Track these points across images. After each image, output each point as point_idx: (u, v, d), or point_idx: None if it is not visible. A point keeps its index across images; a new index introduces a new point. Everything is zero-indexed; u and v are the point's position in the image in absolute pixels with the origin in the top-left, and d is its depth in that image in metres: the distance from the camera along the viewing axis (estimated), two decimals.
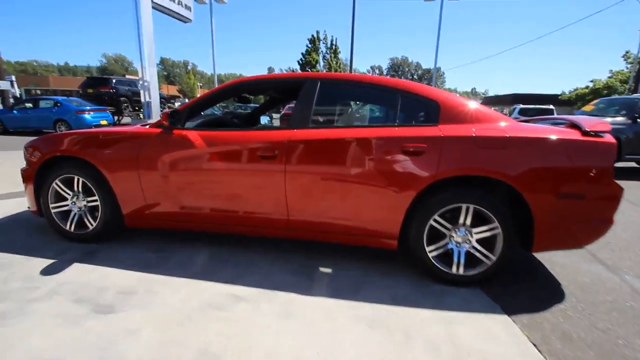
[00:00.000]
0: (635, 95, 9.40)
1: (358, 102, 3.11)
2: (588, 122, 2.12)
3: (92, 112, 11.63)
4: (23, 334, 1.63)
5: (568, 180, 2.01)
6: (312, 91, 2.36)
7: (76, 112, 11.37)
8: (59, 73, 75.79)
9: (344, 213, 2.27)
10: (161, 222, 2.58)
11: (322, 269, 2.39)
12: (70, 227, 2.68)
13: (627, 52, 26.98)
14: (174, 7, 12.90)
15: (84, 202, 2.65)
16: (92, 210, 2.66)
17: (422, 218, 2.15)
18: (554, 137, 2.03)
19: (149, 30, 11.43)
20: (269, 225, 2.42)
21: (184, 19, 14.02)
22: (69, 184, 2.65)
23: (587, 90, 28.97)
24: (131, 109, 14.75)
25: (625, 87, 25.39)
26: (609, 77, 27.89)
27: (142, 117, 14.00)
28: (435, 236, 2.21)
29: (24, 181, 2.73)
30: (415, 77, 76.94)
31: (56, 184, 2.63)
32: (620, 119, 6.79)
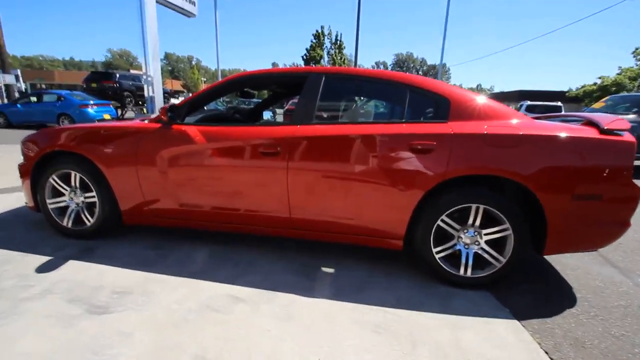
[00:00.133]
0: None
1: (363, 98, 3.02)
2: (606, 119, 2.02)
3: (95, 107, 11.60)
4: (13, 335, 1.57)
5: (584, 181, 1.92)
6: (316, 86, 2.27)
7: (79, 106, 11.34)
8: (64, 68, 76.05)
9: (348, 212, 2.19)
10: (160, 219, 2.51)
11: (324, 269, 2.32)
12: (67, 223, 2.63)
13: (637, 49, 26.48)
14: (178, 1, 12.82)
15: (82, 198, 2.59)
16: (90, 206, 2.60)
17: (430, 218, 2.07)
18: (570, 135, 1.93)
19: (152, 25, 11.37)
20: (271, 223, 2.35)
21: (188, 14, 13.94)
22: (66, 179, 2.59)
23: (594, 87, 28.54)
24: (135, 104, 14.73)
25: (635, 84, 24.98)
26: (618, 74, 27.43)
27: (145, 111, 13.98)
28: (443, 237, 2.13)
29: (21, 176, 2.67)
30: (420, 73, 76.34)
31: (53, 179, 2.58)
32: (631, 116, 6.64)
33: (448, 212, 2.04)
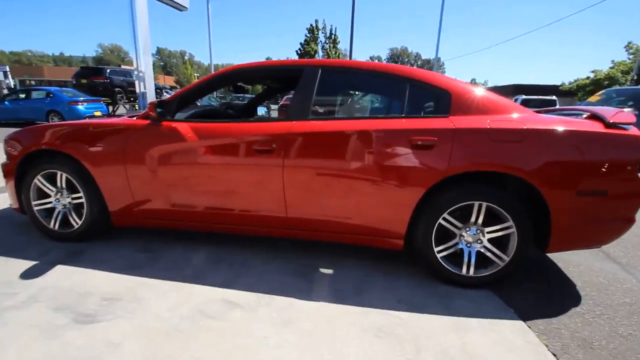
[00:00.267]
0: None
1: (362, 92, 2.92)
2: (611, 113, 1.96)
3: (85, 103, 11.35)
4: None
5: (589, 176, 1.86)
6: (313, 79, 2.18)
7: (69, 103, 11.09)
8: (54, 63, 74.70)
9: (346, 211, 2.11)
10: (151, 220, 2.42)
11: (322, 270, 2.24)
12: (54, 225, 2.52)
13: (629, 43, 26.62)
14: None
15: (69, 199, 2.48)
16: (78, 207, 2.49)
17: (431, 216, 2.00)
18: (575, 129, 1.87)
19: (143, 18, 11.11)
20: (266, 223, 2.27)
21: (180, 7, 13.65)
22: (52, 179, 2.48)
23: (588, 81, 28.68)
24: (126, 100, 14.48)
25: (627, 77, 25.13)
26: (611, 68, 27.57)
27: (137, 108, 13.75)
28: (444, 235, 2.06)
29: (4, 176, 2.55)
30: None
31: (38, 179, 2.46)
32: (627, 110, 6.63)
33: (450, 210, 1.98)
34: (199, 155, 2.20)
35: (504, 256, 2.00)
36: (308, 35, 31.69)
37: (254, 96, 3.84)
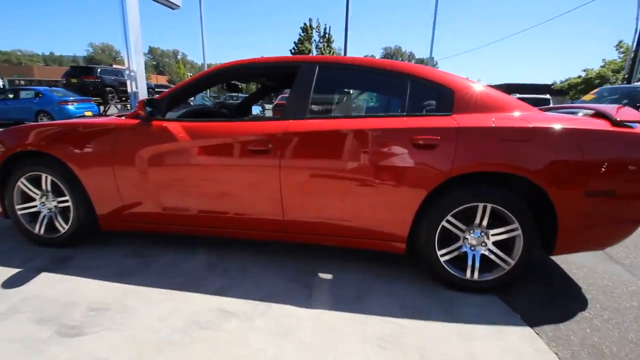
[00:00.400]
0: (637, 84, 9.28)
1: (361, 89, 2.84)
2: (616, 111, 1.90)
3: (75, 103, 11.11)
4: None
5: (597, 176, 1.80)
6: (310, 77, 2.09)
7: (59, 102, 10.85)
8: (44, 63, 73.54)
9: (345, 213, 2.03)
10: (141, 224, 2.31)
11: (321, 275, 2.16)
12: (39, 230, 2.40)
13: (620, 42, 26.93)
14: None
15: (54, 203, 2.36)
16: (64, 211, 2.38)
17: (434, 218, 1.92)
18: (582, 127, 1.81)
19: (134, 17, 10.92)
20: (262, 227, 2.18)
21: (172, 6, 13.45)
22: (36, 182, 2.36)
23: (579, 80, 28.96)
24: (117, 100, 14.24)
25: (618, 76, 25.43)
26: (602, 67, 27.87)
27: (129, 107, 13.53)
28: (447, 238, 1.99)
29: None
30: None
31: (22, 182, 2.35)
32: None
33: (453, 212, 1.91)
34: (191, 156, 2.11)
35: (509, 259, 1.94)
36: (302, 34, 31.53)
37: (247, 95, 3.75)
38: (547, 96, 14.36)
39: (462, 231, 1.96)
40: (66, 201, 2.32)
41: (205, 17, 19.31)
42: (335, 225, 2.07)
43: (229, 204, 2.16)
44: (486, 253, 1.97)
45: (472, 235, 1.96)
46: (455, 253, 1.99)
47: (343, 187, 1.98)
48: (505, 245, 1.96)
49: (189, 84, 2.34)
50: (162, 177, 2.16)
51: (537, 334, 1.68)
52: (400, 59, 79.54)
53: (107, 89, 13.86)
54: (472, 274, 1.97)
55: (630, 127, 1.83)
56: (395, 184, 1.91)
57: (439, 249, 1.97)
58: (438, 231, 1.94)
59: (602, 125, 1.83)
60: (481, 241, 1.97)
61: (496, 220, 1.93)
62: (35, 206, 2.40)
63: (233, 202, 2.15)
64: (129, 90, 11.31)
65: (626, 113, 1.91)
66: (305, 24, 31.28)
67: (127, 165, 2.15)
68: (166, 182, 2.17)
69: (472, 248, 1.98)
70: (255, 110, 3.46)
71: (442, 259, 1.98)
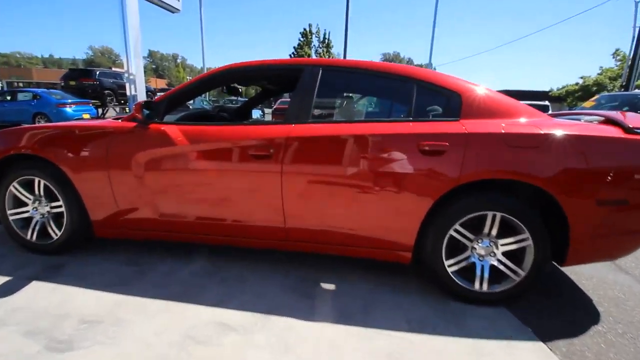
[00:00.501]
0: (637, 91, 9.31)
1: (365, 93, 2.78)
2: (628, 118, 1.85)
3: (73, 106, 11.03)
4: None
5: (610, 184, 1.73)
6: (313, 80, 2.03)
7: (57, 105, 10.77)
8: (43, 65, 73.50)
9: (349, 221, 1.96)
10: (137, 232, 2.23)
11: (324, 285, 2.08)
12: (31, 236, 2.31)
13: (617, 50, 27.15)
14: None
15: (47, 208, 2.28)
16: (57, 217, 2.30)
17: (441, 227, 1.86)
18: (595, 134, 1.75)
19: (134, 20, 10.90)
20: (263, 235, 2.10)
21: (172, 9, 13.45)
22: (29, 186, 2.28)
23: (576, 87, 29.18)
24: (116, 103, 14.16)
25: (615, 83, 25.62)
26: (599, 74, 28.10)
27: (127, 110, 13.46)
28: (454, 248, 1.92)
29: None
30: None
31: (14, 186, 2.27)
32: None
33: (462, 220, 1.84)
34: (189, 160, 2.03)
35: (519, 270, 1.87)
36: (301, 39, 31.66)
37: (247, 99, 3.69)
38: (546, 103, 14.38)
39: (470, 241, 1.90)
40: (59, 206, 2.24)
41: (205, 16, 19.33)
42: (339, 233, 2.00)
43: (228, 210, 2.09)
44: (495, 263, 1.90)
45: (480, 245, 1.90)
46: (463, 263, 1.92)
47: (347, 194, 1.91)
48: (514, 256, 1.89)
49: (189, 86, 2.27)
50: (159, 182, 2.09)
51: (550, 349, 1.60)
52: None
53: (106, 91, 13.77)
54: (480, 285, 1.90)
55: None
56: (401, 191, 1.84)
57: (447, 259, 1.90)
58: (445, 240, 1.87)
59: (614, 132, 1.78)
60: (490, 251, 1.90)
61: (505, 230, 1.87)
62: (28, 211, 2.32)
63: (233, 208, 2.08)
64: (127, 93, 11.26)
65: (633, 119, 1.85)
66: (305, 29, 31.44)
67: (123, 169, 2.08)
68: (163, 187, 2.09)
69: (481, 258, 1.91)
70: (256, 114, 3.39)
71: (449, 270, 1.91)
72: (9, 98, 11.54)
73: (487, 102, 1.89)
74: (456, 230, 1.87)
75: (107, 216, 2.21)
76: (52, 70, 54.77)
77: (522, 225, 1.79)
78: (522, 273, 1.86)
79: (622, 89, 19.61)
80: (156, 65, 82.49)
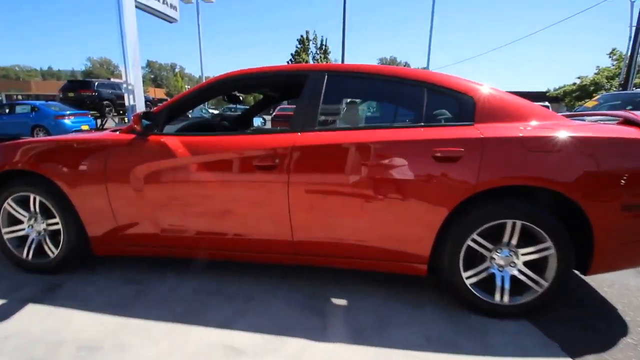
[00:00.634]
0: (638, 90, 9.27)
1: (373, 99, 2.70)
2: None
3: (72, 117, 10.99)
4: None
5: (633, 188, 1.65)
6: (319, 86, 1.95)
7: (55, 117, 10.71)
8: (42, 78, 73.79)
9: (361, 233, 1.87)
10: (137, 248, 2.13)
11: (335, 300, 1.98)
12: (27, 255, 2.21)
13: (613, 50, 27.23)
14: (159, 6, 12.31)
15: (43, 226, 2.19)
16: (54, 234, 2.20)
17: (458, 237, 1.76)
18: (617, 136, 1.66)
19: (132, 30, 10.89)
20: (269, 249, 2.01)
21: (169, 19, 13.47)
22: (24, 203, 2.19)
23: (574, 87, 29.23)
24: (115, 113, 14.11)
25: (612, 83, 25.69)
26: (596, 74, 28.17)
27: (126, 121, 13.41)
28: (472, 258, 1.82)
29: None
30: None
31: (8, 204, 2.17)
32: None
33: (480, 229, 1.74)
34: (191, 173, 1.95)
35: (542, 281, 1.77)
36: (299, 46, 31.77)
37: (247, 107, 3.61)
38: (547, 103, 14.36)
39: (489, 250, 1.80)
40: (56, 224, 2.14)
41: (203, 34, 19.39)
42: (350, 245, 1.90)
43: (232, 224, 1.99)
44: (516, 274, 1.80)
45: (499, 254, 1.80)
46: (482, 275, 1.82)
47: (357, 204, 1.82)
48: (535, 266, 1.80)
49: (189, 95, 2.19)
50: (160, 196, 2.00)
51: None
52: None
53: (105, 102, 13.74)
54: (501, 297, 1.80)
55: None
56: (415, 200, 1.75)
57: (464, 271, 1.80)
58: (463, 251, 1.78)
59: (636, 133, 1.69)
60: (510, 261, 1.80)
61: (524, 238, 1.77)
62: (23, 229, 2.23)
63: (237, 222, 1.98)
64: (126, 103, 11.22)
65: None
66: (302, 36, 31.56)
67: (121, 184, 1.99)
68: (164, 202, 2.00)
69: (500, 269, 1.81)
70: (257, 122, 3.31)
71: (467, 282, 1.81)
72: (7, 111, 11.49)
73: (501, 104, 1.80)
74: (474, 240, 1.77)
75: (105, 233, 2.11)
76: (50, 82, 54.93)
77: (544, 233, 1.70)
78: (545, 283, 1.76)
79: (620, 88, 19.66)
80: (154, 75, 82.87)
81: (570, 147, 1.63)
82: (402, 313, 1.86)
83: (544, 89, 34.44)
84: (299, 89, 2.04)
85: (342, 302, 1.96)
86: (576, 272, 1.93)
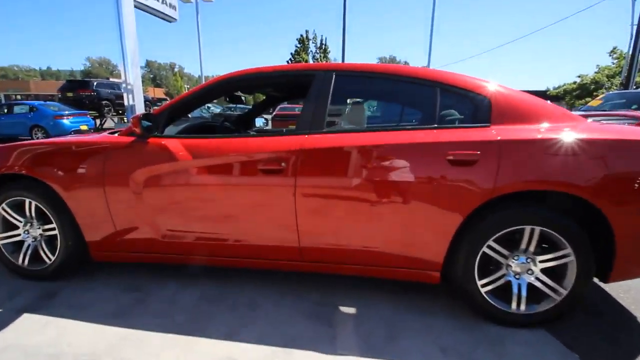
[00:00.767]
0: None
1: (383, 99, 2.62)
2: None
3: (71, 117, 10.91)
4: None
5: None
6: (327, 86, 1.87)
7: (54, 117, 10.63)
8: (41, 78, 73.63)
9: (371, 240, 1.79)
10: (136, 254, 2.05)
11: (343, 309, 1.90)
12: (23, 261, 2.13)
13: (614, 48, 27.17)
14: (158, 6, 12.22)
15: (40, 231, 2.11)
16: (51, 240, 2.12)
17: (474, 244, 1.68)
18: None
19: (131, 30, 10.80)
20: (275, 255, 1.93)
21: (168, 19, 13.37)
22: (19, 208, 2.11)
23: (574, 86, 29.18)
24: (114, 113, 14.02)
25: (613, 81, 25.63)
26: (596, 73, 28.12)
27: (126, 120, 13.32)
28: (487, 265, 1.75)
29: None
30: None
31: (3, 209, 2.09)
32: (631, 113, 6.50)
33: (496, 236, 1.67)
34: (193, 177, 1.87)
35: (560, 289, 1.69)
36: (298, 45, 31.64)
37: (248, 107, 3.53)
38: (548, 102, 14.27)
39: (505, 257, 1.72)
40: (53, 229, 2.06)
41: (201, 14, 19.20)
42: (360, 252, 1.82)
43: (237, 230, 1.91)
44: (533, 281, 1.72)
45: (516, 261, 1.72)
46: (499, 282, 1.74)
47: (367, 209, 1.74)
48: (552, 273, 1.72)
49: (190, 96, 2.11)
50: (160, 201, 1.92)
51: None
52: None
53: (104, 102, 13.66)
54: (518, 306, 1.72)
55: None
56: (429, 205, 1.67)
57: (480, 279, 1.73)
58: (478, 258, 1.70)
59: None
60: (526, 268, 1.72)
61: (544, 244, 1.70)
62: (19, 235, 2.15)
63: (242, 228, 1.90)
64: (125, 103, 11.13)
65: None
66: (302, 35, 31.44)
67: (120, 188, 1.91)
68: (165, 207, 1.92)
69: (517, 276, 1.74)
70: (259, 122, 3.23)
71: (483, 290, 1.73)
72: (5, 111, 11.41)
73: (519, 104, 1.73)
74: (489, 247, 1.69)
75: (103, 238, 2.03)
76: (49, 82, 54.76)
77: (563, 240, 1.62)
78: (564, 292, 1.69)
79: (622, 87, 19.59)
80: (154, 74, 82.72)
81: (592, 151, 1.56)
82: (413, 322, 1.78)
83: (543, 88, 34.40)
84: (304, 89, 1.97)
85: (350, 310, 1.89)
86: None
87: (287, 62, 32.09)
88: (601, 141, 1.57)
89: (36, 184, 2.01)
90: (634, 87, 15.87)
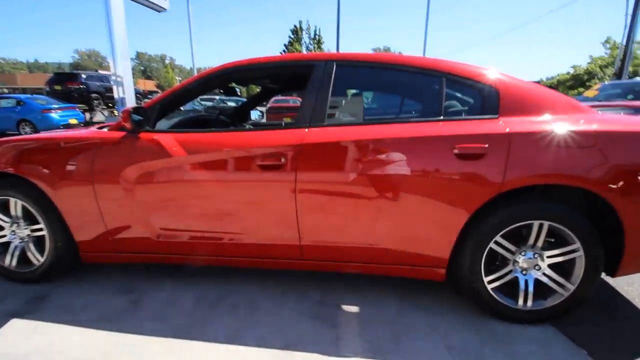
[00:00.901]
0: (638, 78, 9.24)
1: (386, 90, 2.53)
2: None
3: (59, 111, 10.63)
4: None
5: None
6: (327, 76, 1.78)
7: (42, 111, 10.34)
8: (28, 70, 71.91)
9: (375, 236, 1.73)
10: (129, 255, 1.97)
11: (346, 308, 1.85)
12: (10, 263, 2.04)
13: (608, 39, 27.29)
14: None
15: (27, 231, 2.01)
16: (39, 241, 2.02)
17: (481, 239, 1.63)
18: None
19: (120, 20, 10.51)
20: (275, 254, 1.86)
21: (158, 8, 13.03)
22: (5, 208, 2.01)
23: (568, 77, 29.34)
24: (104, 106, 13.72)
25: (606, 71, 25.78)
26: (589, 63, 28.26)
27: (116, 114, 13.06)
28: (493, 261, 1.70)
29: None
30: None
31: None
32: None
33: (504, 231, 1.62)
34: (187, 173, 1.78)
35: (568, 284, 1.65)
36: (292, 36, 31.22)
37: (242, 99, 3.43)
38: None
39: (512, 253, 1.68)
40: (40, 229, 1.97)
41: (193, 24, 18.87)
42: (363, 249, 1.76)
43: (234, 228, 1.84)
44: (540, 277, 1.68)
45: (523, 257, 1.68)
46: (506, 278, 1.70)
47: (371, 205, 1.68)
48: (560, 268, 1.68)
49: (183, 88, 2.00)
50: (153, 199, 1.83)
51: None
52: None
53: (93, 95, 13.34)
54: (525, 302, 1.68)
55: None
56: (434, 201, 1.61)
57: (486, 275, 1.68)
58: (485, 254, 1.65)
59: None
60: (534, 264, 1.68)
61: (552, 239, 1.65)
62: (5, 236, 2.05)
63: (239, 226, 1.83)
64: (115, 96, 10.86)
65: None
66: (295, 26, 31.00)
67: (111, 185, 1.82)
68: (159, 205, 1.84)
69: (524, 272, 1.69)
70: (254, 115, 3.13)
71: (489, 287, 1.69)
72: None
73: (528, 95, 1.66)
74: (497, 242, 1.64)
75: (94, 239, 1.94)
76: (37, 75, 53.47)
77: (572, 234, 1.58)
78: (572, 287, 1.65)
79: (615, 77, 19.67)
80: (144, 66, 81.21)
81: (604, 144, 1.50)
82: (418, 321, 1.73)
83: (536, 79, 34.51)
84: (302, 80, 1.88)
85: (354, 309, 1.83)
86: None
87: (281, 53, 31.67)
88: (614, 133, 1.51)
89: (22, 183, 1.90)
90: (627, 77, 15.94)
